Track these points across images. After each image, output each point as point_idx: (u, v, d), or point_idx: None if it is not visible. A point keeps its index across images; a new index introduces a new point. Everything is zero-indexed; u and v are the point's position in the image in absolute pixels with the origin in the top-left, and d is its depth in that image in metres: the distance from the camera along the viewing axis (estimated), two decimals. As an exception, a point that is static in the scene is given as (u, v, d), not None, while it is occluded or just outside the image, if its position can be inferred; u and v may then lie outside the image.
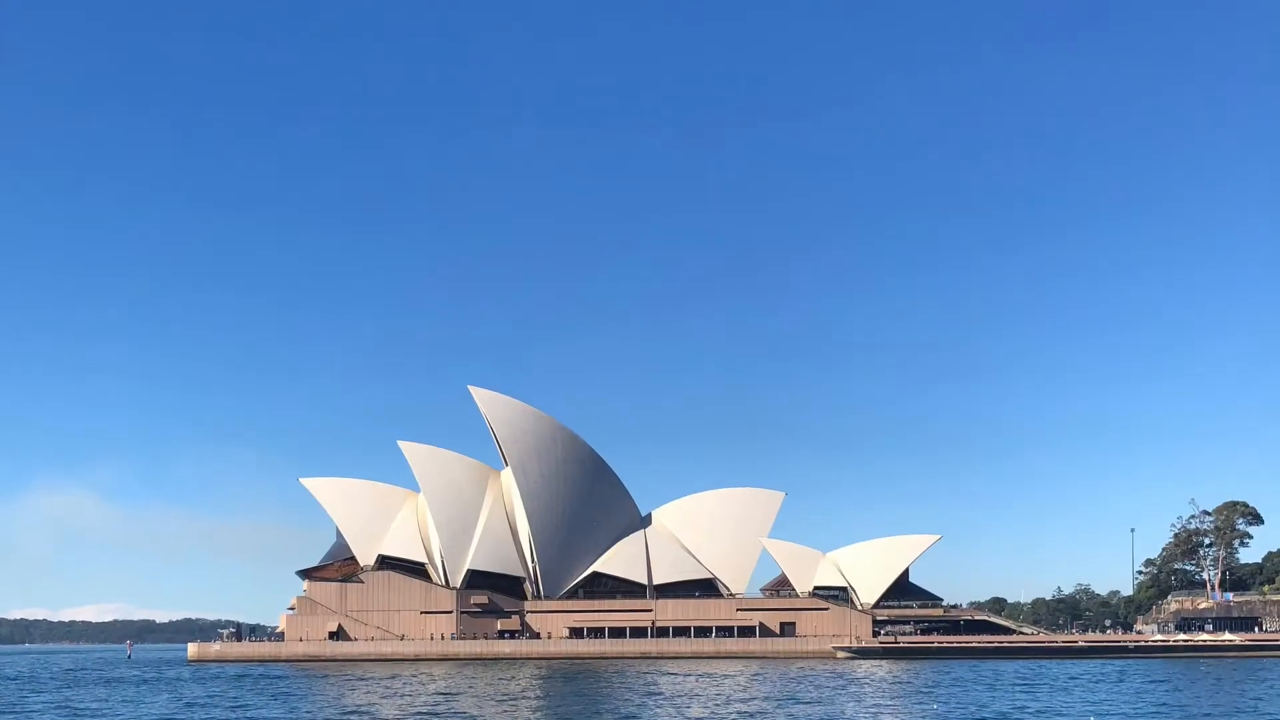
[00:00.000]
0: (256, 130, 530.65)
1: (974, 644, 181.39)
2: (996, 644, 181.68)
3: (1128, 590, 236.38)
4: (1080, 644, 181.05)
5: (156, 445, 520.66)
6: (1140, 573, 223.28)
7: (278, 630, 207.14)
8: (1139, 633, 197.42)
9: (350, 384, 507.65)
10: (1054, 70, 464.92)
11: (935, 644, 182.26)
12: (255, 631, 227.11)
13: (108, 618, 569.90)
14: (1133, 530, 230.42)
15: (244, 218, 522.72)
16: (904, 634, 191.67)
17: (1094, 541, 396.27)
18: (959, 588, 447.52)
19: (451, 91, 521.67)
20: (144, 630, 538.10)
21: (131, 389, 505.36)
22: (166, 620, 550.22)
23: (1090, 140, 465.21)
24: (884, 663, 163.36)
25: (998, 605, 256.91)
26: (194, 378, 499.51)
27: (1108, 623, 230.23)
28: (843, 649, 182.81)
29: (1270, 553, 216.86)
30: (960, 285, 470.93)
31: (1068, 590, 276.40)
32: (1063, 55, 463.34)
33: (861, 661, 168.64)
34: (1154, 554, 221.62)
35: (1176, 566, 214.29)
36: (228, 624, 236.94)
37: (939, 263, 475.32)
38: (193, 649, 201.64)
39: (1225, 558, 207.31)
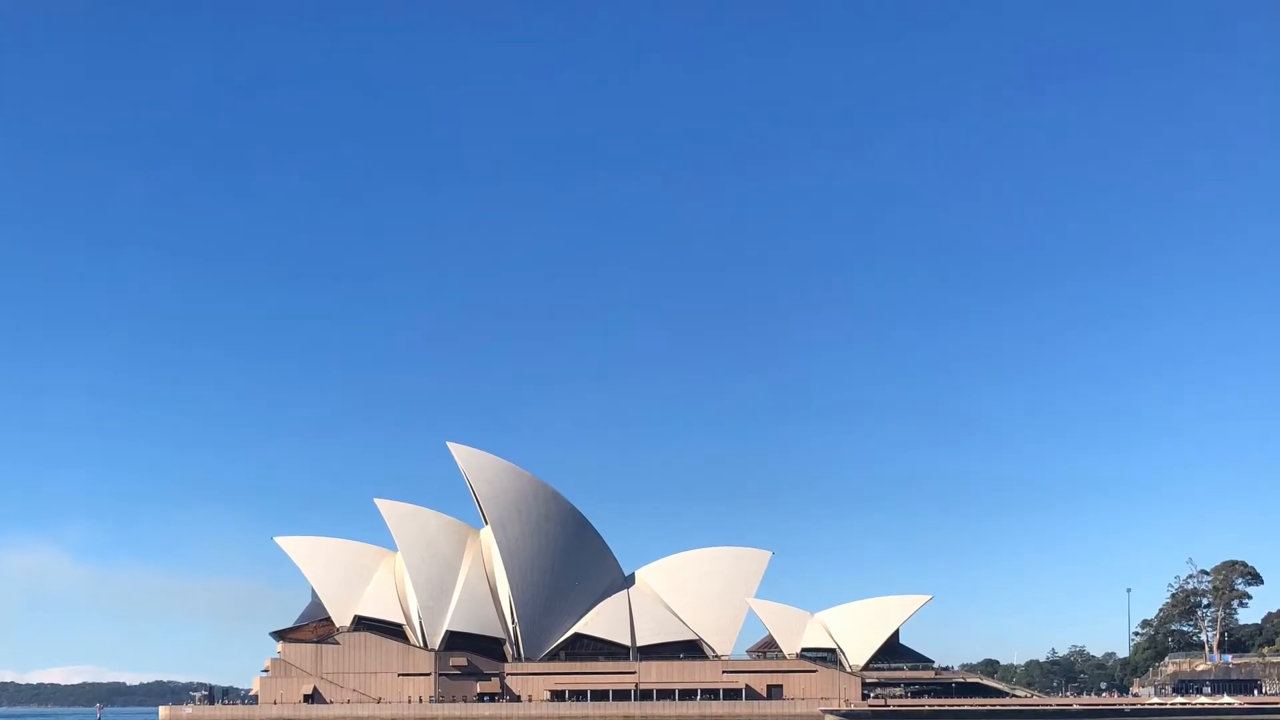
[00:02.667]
0: (231, 181, 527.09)
1: (966, 707, 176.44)
2: (989, 707, 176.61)
3: (1124, 652, 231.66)
4: (1075, 707, 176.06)
5: (127, 503, 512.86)
6: (1136, 634, 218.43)
7: (251, 693, 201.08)
8: (1135, 695, 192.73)
9: (325, 440, 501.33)
10: (1047, 121, 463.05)
11: (926, 707, 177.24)
12: (228, 694, 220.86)
13: (77, 680, 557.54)
14: (1129, 590, 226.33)
15: (215, 271, 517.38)
16: (894, 697, 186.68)
17: (1089, 602, 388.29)
18: (950, 649, 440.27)
19: (430, 145, 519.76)
20: (114, 693, 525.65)
21: (102, 446, 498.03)
22: (137, 683, 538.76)
23: (1075, 198, 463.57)
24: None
25: (990, 667, 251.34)
26: (165, 434, 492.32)
27: (1103, 685, 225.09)
28: (831, 712, 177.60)
29: (1270, 613, 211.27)
30: (951, 342, 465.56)
31: (1062, 652, 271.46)
32: (1056, 104, 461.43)
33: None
34: (1150, 614, 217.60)
35: (1174, 628, 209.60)
36: (200, 686, 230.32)
37: (928, 319, 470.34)
38: (164, 713, 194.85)
39: (1224, 619, 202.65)
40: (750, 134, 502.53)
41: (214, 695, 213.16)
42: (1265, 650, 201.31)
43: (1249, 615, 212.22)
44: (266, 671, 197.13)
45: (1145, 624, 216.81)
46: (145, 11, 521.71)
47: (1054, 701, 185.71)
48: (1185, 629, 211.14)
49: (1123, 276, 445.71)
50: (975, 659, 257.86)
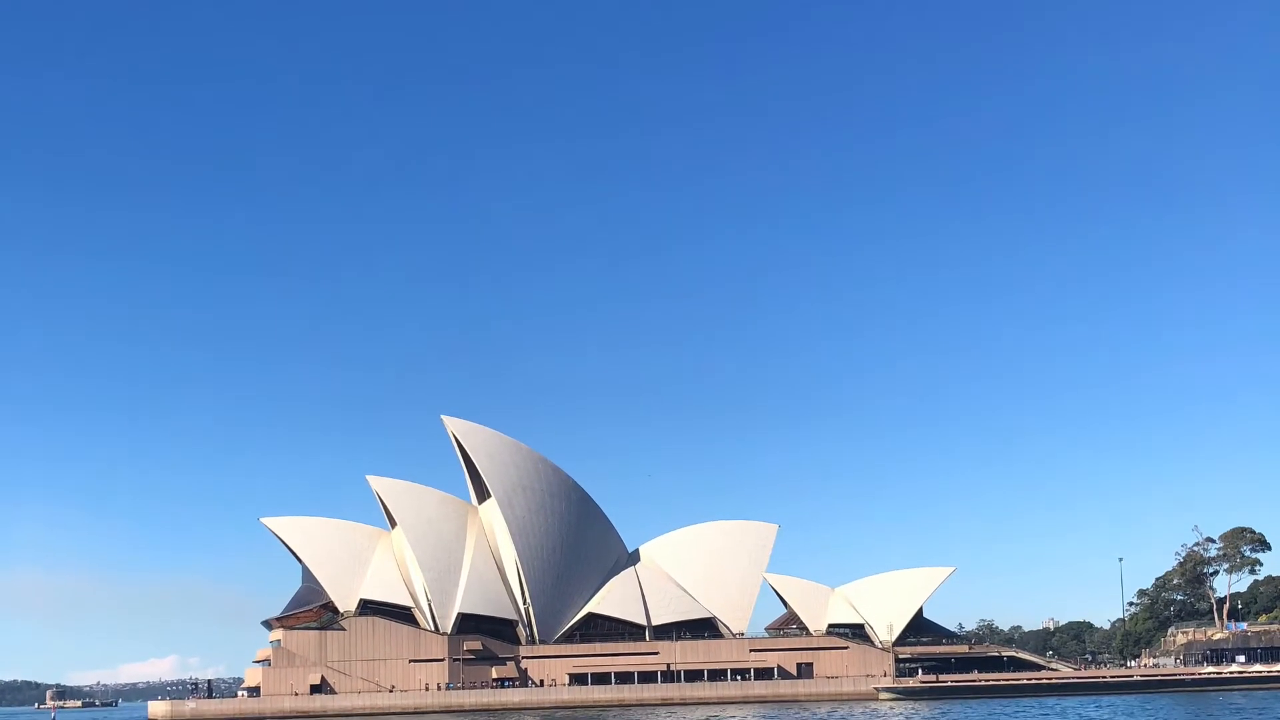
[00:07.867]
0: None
1: (1023, 681, 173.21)
2: (1042, 680, 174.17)
3: (1106, 622, 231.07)
4: (1136, 678, 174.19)
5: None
6: (1132, 604, 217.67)
7: (245, 685, 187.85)
8: (1156, 665, 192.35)
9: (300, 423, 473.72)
10: (1041, 166, 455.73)
11: (982, 682, 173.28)
12: (197, 689, 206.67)
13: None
14: (1120, 559, 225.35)
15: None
16: (926, 671, 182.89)
17: (1075, 571, 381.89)
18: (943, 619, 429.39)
19: (421, 164, 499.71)
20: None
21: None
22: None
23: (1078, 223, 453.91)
24: (926, 704, 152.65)
25: (989, 636, 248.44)
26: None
27: (1105, 655, 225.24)
28: (886, 690, 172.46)
29: (1256, 581, 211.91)
30: (953, 323, 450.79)
31: (1062, 621, 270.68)
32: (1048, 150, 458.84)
33: (907, 702, 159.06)
34: (1144, 584, 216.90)
35: (1175, 597, 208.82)
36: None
37: (930, 307, 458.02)
38: (161, 709, 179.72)
39: (1233, 585, 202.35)
40: (752, 175, 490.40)
41: (209, 689, 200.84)
42: (1263, 617, 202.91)
43: (1239, 583, 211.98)
44: (264, 661, 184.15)
45: (1142, 593, 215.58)
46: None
47: (1107, 673, 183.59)
48: (1178, 598, 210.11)
49: (1121, 240, 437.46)
50: (970, 627, 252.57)
